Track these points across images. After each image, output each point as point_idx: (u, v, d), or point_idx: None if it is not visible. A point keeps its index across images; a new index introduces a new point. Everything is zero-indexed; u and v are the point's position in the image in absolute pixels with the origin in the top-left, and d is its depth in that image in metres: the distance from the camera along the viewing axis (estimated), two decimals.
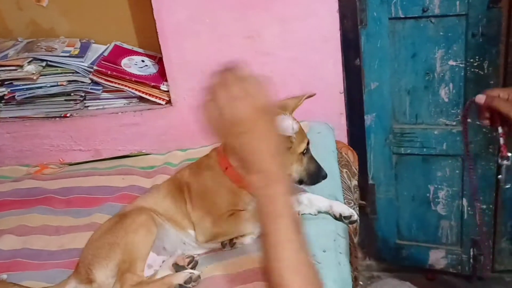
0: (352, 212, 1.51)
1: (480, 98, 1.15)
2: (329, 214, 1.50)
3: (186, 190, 1.51)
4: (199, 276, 1.36)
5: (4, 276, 1.54)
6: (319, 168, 1.47)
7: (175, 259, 1.42)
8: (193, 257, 1.42)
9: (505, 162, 1.18)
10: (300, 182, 1.47)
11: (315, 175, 1.46)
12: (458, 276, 2.28)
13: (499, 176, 1.71)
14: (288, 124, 1.34)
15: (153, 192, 1.62)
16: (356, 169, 2.01)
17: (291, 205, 0.77)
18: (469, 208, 2.16)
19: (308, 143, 1.45)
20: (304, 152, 1.44)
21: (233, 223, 1.43)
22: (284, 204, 0.75)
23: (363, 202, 2.27)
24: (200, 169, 1.53)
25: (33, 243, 1.67)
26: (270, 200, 0.75)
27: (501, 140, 1.17)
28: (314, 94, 1.51)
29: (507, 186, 2.06)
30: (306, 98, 1.48)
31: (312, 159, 1.47)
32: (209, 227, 1.44)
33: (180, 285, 1.33)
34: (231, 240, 1.45)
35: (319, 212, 1.52)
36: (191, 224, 1.49)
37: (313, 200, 1.51)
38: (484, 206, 2.13)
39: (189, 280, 1.33)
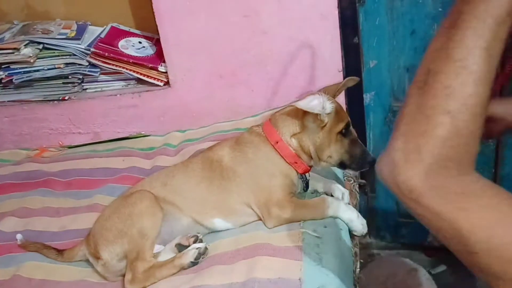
0: (343, 191, 1.53)
1: None
2: (326, 194, 1.53)
3: (226, 173, 1.47)
4: (206, 248, 1.37)
5: (20, 236, 1.58)
6: (364, 152, 1.45)
7: (179, 240, 1.42)
8: (197, 236, 1.42)
9: None
10: (343, 165, 1.46)
11: (359, 160, 1.44)
12: None
13: None
14: (316, 103, 1.35)
15: (171, 176, 1.54)
16: None
17: None
18: None
19: (348, 124, 1.44)
20: (344, 133, 1.43)
21: (304, 208, 1.42)
22: None
23: (363, 181, 2.28)
24: (243, 146, 1.50)
25: (35, 225, 1.68)
26: None
27: None
28: (357, 80, 1.54)
29: None
30: (346, 83, 1.51)
31: (356, 142, 1.45)
32: (279, 214, 1.41)
33: (192, 262, 1.34)
34: None
35: (314, 190, 1.55)
36: (226, 211, 1.46)
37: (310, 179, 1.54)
38: None
39: (198, 256, 1.35)
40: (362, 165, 1.46)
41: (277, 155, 1.45)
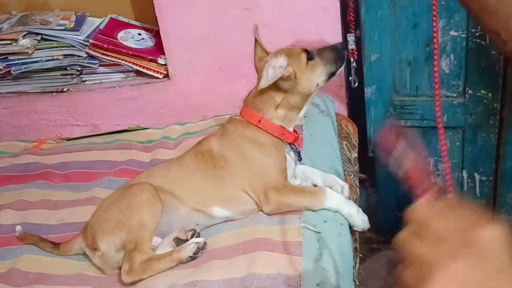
0: (343, 185, 1.51)
1: None
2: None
3: (218, 162, 1.46)
4: (205, 243, 1.36)
5: (19, 227, 1.58)
6: (332, 49, 1.49)
7: (176, 234, 1.41)
8: (195, 230, 1.41)
9: None
10: (333, 74, 1.48)
11: (337, 57, 1.48)
12: None
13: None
14: (272, 71, 1.35)
15: (167, 169, 1.54)
16: (356, 141, 2.01)
17: None
18: (469, 180, 2.15)
19: (305, 51, 1.44)
20: (310, 57, 1.44)
21: (300, 194, 1.42)
22: None
23: (363, 175, 2.27)
24: (229, 135, 1.50)
25: (33, 218, 1.67)
26: None
27: None
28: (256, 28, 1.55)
29: None
30: (256, 35, 1.53)
31: (321, 52, 1.47)
32: (277, 197, 1.40)
33: (190, 257, 1.33)
34: None
35: (314, 185, 1.53)
36: (224, 200, 1.45)
37: (308, 173, 1.54)
38: (484, 178, 2.12)
39: (197, 251, 1.34)
40: (342, 57, 1.50)
41: (263, 133, 1.46)
